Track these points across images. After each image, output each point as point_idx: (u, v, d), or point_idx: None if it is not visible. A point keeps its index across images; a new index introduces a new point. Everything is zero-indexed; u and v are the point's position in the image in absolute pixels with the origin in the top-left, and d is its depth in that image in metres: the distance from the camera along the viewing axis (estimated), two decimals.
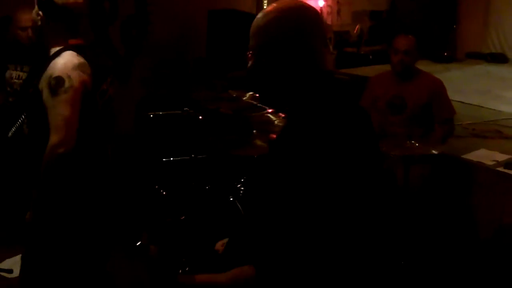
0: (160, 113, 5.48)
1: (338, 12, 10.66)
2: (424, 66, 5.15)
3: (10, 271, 4.69)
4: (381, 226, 2.02)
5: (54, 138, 3.11)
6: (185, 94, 7.05)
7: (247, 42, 2.08)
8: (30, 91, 3.28)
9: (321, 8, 10.30)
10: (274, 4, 2.08)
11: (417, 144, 4.36)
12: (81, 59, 3.21)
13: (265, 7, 8.70)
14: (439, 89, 4.99)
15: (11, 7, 5.10)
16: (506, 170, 4.71)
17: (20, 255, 4.89)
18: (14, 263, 4.81)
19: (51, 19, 3.23)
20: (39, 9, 3.24)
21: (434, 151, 4.34)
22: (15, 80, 4.90)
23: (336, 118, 1.95)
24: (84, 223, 3.37)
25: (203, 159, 4.95)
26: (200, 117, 4.98)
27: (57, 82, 3.11)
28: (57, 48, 3.24)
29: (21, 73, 4.86)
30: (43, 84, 3.15)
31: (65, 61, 3.17)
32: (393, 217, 4.41)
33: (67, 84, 3.11)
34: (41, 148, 3.15)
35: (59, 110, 3.11)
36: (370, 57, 10.10)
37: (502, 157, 4.94)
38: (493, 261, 4.45)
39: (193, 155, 4.94)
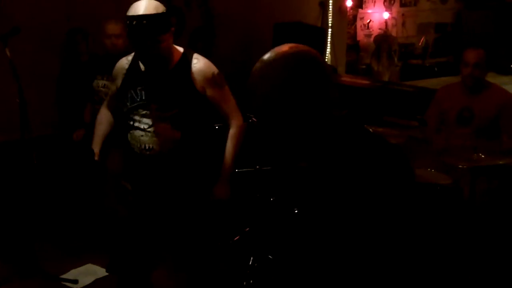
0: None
1: (403, 24, 10.63)
2: (489, 78, 5.08)
3: (75, 281, 4.79)
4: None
5: (239, 120, 3.68)
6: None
7: None
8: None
9: (386, 20, 10.28)
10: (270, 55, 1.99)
11: (483, 156, 4.31)
12: None
13: (330, 19, 8.78)
14: (509, 103, 4.92)
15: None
16: None
17: (85, 265, 4.99)
18: (79, 274, 4.91)
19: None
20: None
21: (501, 162, 4.29)
22: (101, 89, 5.23)
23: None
24: None
25: (268, 171, 4.97)
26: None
27: (221, 77, 3.63)
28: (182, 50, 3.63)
29: (106, 82, 5.14)
30: (202, 83, 3.55)
31: (205, 60, 3.62)
32: (458, 230, 4.37)
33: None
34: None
35: (231, 97, 3.69)
36: (436, 69, 10.03)
37: None
38: None
39: (257, 167, 4.97)
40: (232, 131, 3.67)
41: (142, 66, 3.59)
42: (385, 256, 1.90)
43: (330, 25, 8.87)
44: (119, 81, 3.71)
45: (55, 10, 6.18)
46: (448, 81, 5.73)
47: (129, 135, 3.67)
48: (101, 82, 5.24)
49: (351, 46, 10.00)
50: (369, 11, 10.28)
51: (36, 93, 5.54)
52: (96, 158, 3.72)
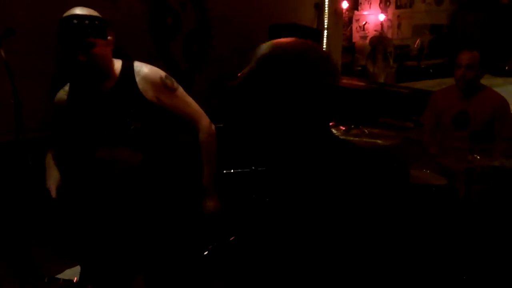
0: (221, 125, 5.52)
1: (399, 26, 10.66)
2: (484, 80, 5.09)
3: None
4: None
5: (206, 121, 3.44)
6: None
7: None
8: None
9: (381, 22, 10.29)
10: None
11: (478, 157, 4.31)
12: None
13: (325, 21, 8.78)
14: (502, 107, 4.92)
15: None
16: None
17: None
18: (74, 274, 4.91)
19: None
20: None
21: (495, 164, 4.29)
22: None
23: None
24: None
25: (263, 172, 4.97)
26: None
27: (171, 79, 3.28)
28: (120, 62, 3.26)
29: None
30: (153, 92, 3.19)
31: (149, 65, 3.27)
32: (453, 231, 4.37)
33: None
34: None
35: (190, 99, 3.38)
36: (431, 70, 10.06)
37: None
38: None
39: (253, 167, 4.97)
40: (202, 136, 3.37)
41: (82, 92, 3.26)
42: (381, 257, 1.89)
43: (325, 26, 8.87)
44: (62, 117, 3.35)
45: (52, 11, 6.16)
46: (443, 82, 5.74)
47: (86, 174, 3.33)
48: None
49: (347, 48, 10.02)
50: (365, 13, 10.30)
51: (31, 94, 5.51)
52: (53, 195, 3.47)
